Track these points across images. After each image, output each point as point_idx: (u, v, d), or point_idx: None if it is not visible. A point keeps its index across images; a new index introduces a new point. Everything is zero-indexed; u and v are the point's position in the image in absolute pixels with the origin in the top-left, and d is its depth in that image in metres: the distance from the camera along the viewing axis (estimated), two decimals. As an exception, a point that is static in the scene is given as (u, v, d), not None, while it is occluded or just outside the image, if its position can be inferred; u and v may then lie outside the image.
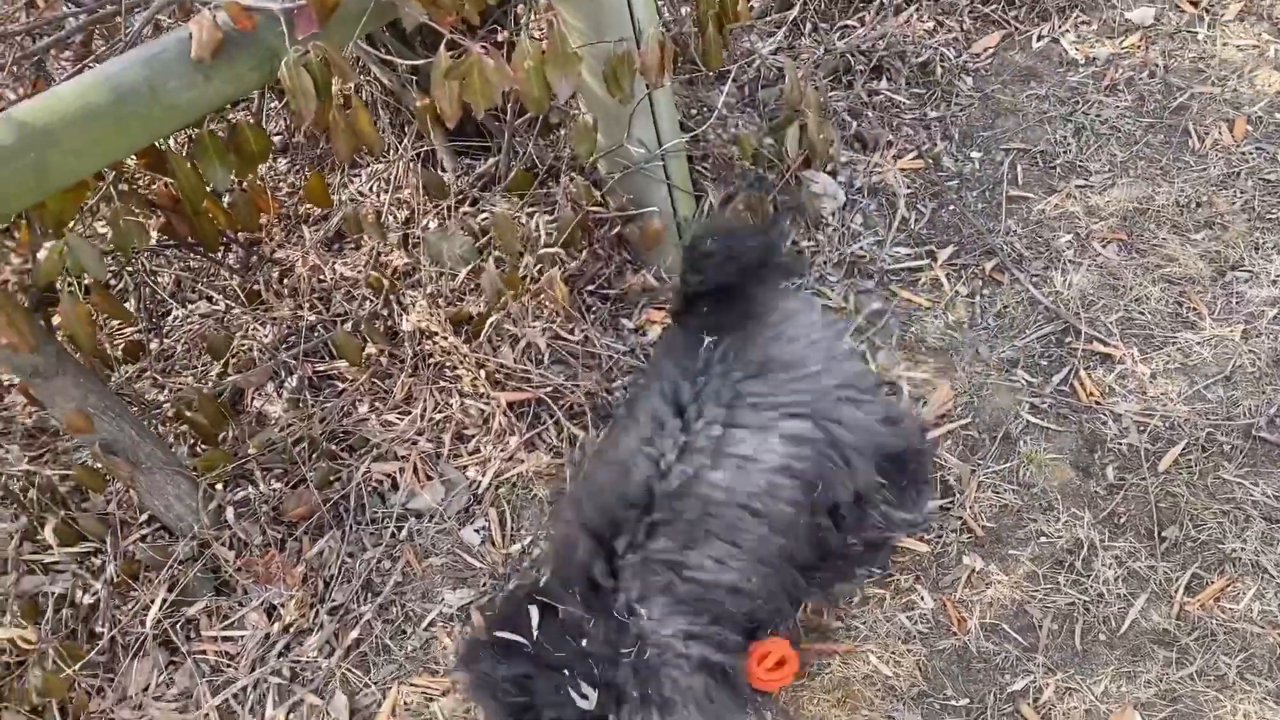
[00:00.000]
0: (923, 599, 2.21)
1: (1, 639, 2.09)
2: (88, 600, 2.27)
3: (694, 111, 2.90)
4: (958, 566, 2.24)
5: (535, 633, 1.84)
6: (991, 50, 3.36)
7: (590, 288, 2.74)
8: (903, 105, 3.22)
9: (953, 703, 2.06)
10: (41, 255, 1.88)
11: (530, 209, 2.71)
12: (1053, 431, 2.43)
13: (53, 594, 2.26)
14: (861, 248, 2.86)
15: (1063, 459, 2.37)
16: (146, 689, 2.22)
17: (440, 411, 2.60)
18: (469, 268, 2.59)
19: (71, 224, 1.99)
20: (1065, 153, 3.03)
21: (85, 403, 2.10)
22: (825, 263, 2.83)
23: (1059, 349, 2.58)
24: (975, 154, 3.09)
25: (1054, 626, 2.13)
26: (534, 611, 1.87)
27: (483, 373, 2.56)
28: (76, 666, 2.10)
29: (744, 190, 2.80)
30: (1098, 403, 2.45)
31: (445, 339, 2.55)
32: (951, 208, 2.96)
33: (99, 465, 2.18)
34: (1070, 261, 2.75)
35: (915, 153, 3.09)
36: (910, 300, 2.75)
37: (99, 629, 2.22)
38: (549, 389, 2.60)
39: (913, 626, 2.17)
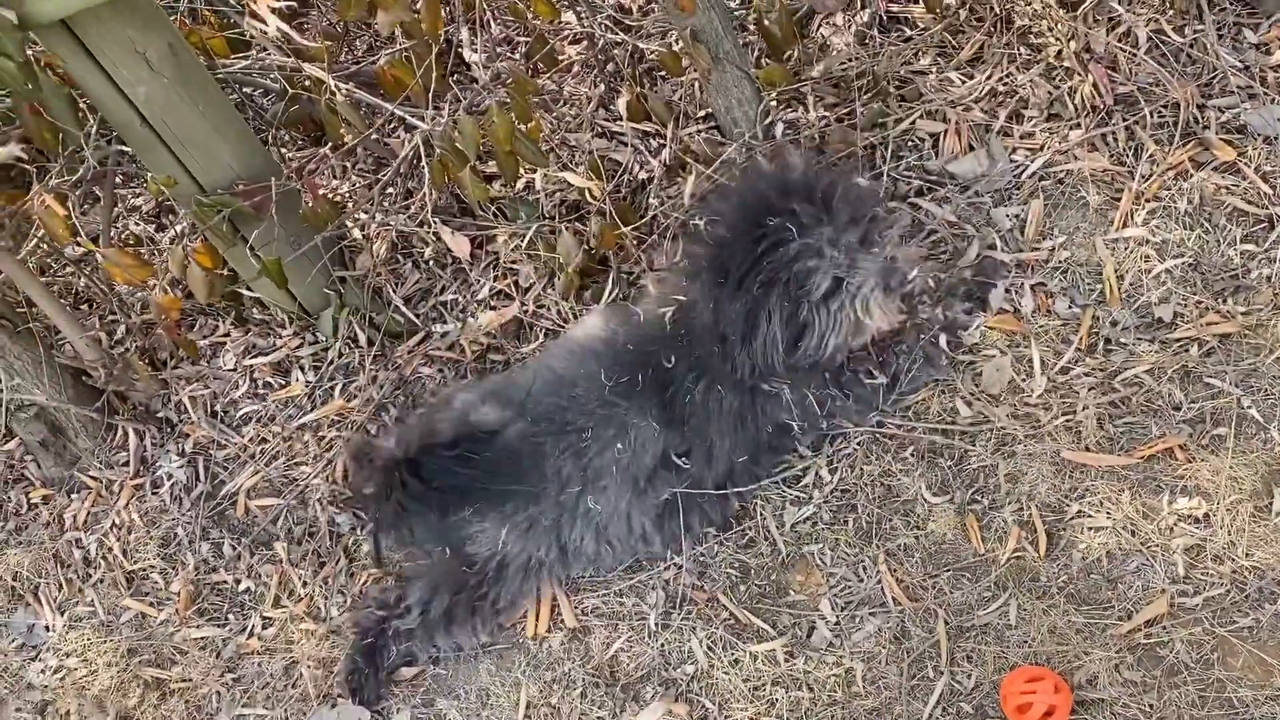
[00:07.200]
0: None
1: (577, 184, 2.36)
2: (642, 175, 2.49)
3: None
4: None
5: None
6: None
7: (1222, -19, 2.34)
8: None
9: None
10: None
11: None
12: None
13: (615, 161, 2.50)
14: None
15: None
16: (669, 267, 2.45)
17: (1004, 83, 2.43)
18: (1091, -73, 2.29)
19: None
20: None
21: (686, -15, 2.17)
22: None
23: None
24: None
25: None
26: None
27: (1071, 45, 2.32)
28: (628, 228, 2.34)
29: None
30: None
31: (1040, 2, 2.32)
32: None
33: (682, 50, 2.30)
34: None
35: None
36: None
37: (649, 202, 2.44)
38: (1129, 89, 2.33)
39: None
